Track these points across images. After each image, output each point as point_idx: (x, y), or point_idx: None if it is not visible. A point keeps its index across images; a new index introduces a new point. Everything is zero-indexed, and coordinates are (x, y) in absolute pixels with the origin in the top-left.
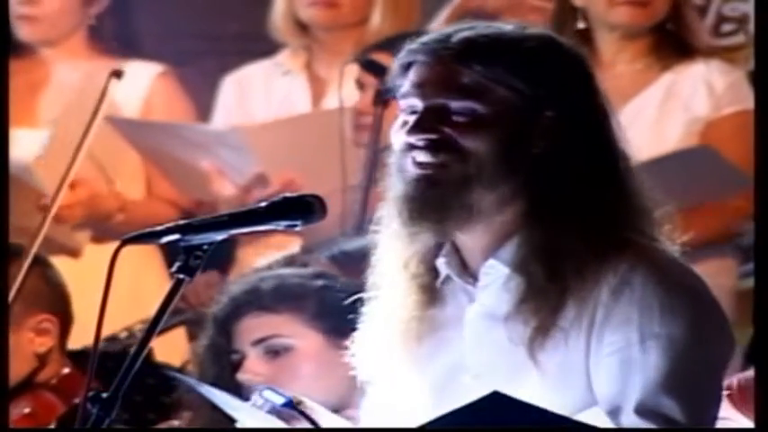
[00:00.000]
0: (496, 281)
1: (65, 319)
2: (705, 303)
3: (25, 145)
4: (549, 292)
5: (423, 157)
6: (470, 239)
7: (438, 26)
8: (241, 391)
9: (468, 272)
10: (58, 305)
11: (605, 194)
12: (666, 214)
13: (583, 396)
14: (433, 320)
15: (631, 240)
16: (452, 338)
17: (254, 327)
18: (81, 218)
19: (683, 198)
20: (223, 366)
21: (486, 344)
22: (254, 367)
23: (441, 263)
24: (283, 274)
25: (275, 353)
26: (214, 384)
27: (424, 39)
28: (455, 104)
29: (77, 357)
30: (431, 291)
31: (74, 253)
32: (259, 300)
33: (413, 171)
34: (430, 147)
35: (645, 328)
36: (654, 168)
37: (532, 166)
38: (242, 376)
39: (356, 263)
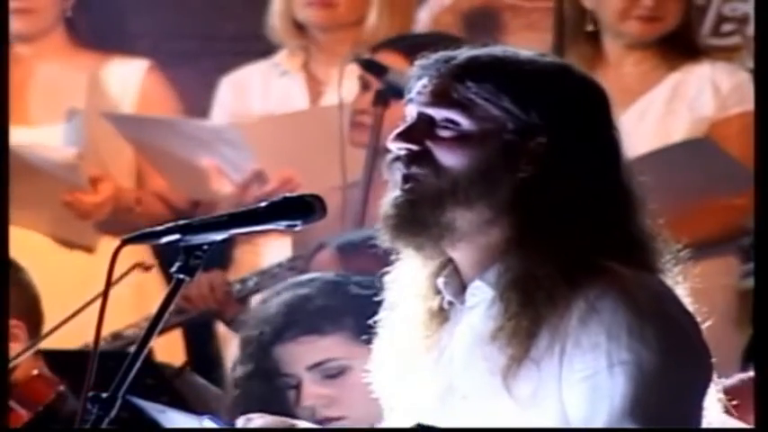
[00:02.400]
0: (482, 303)
1: (33, 322)
2: (677, 330)
3: (19, 141)
4: (522, 320)
5: (401, 167)
6: (463, 258)
7: (421, 28)
8: (297, 416)
9: (463, 292)
10: (27, 309)
11: (587, 222)
12: (671, 248)
13: (559, 422)
14: (435, 341)
15: (604, 267)
16: (446, 359)
17: (304, 352)
18: (108, 214)
19: (683, 191)
20: (273, 389)
21: (473, 365)
22: (314, 391)
23: (440, 282)
24: (319, 291)
25: (332, 375)
26: (262, 406)
27: (437, 55)
28: (440, 116)
29: (77, 357)
30: (438, 312)
31: (88, 249)
32: (303, 323)
33: (398, 187)
34: (407, 158)
35: (613, 353)
36: (653, 160)
37: (517, 190)
38: (306, 403)
39: (361, 252)
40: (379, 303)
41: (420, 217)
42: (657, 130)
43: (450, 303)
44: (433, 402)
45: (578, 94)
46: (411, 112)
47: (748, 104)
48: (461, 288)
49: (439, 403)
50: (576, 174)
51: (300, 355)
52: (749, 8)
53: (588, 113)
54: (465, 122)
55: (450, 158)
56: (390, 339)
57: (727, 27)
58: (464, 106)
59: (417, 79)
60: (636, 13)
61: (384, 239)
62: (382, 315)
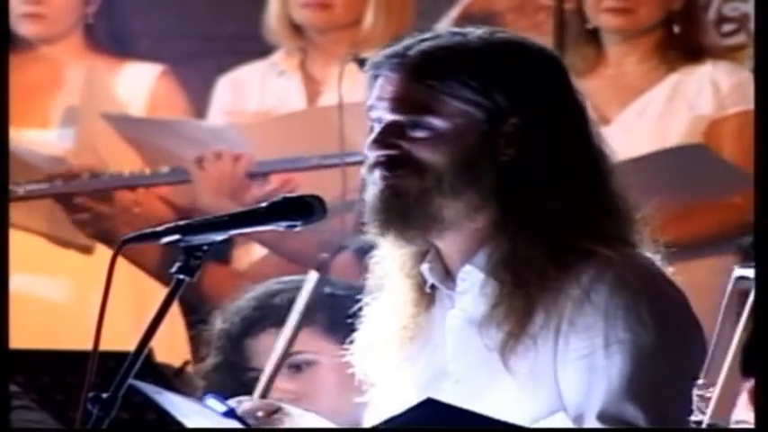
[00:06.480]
0: (474, 286)
1: None
2: (673, 310)
3: (30, 142)
4: (517, 299)
5: (383, 172)
6: (449, 246)
7: (445, 26)
8: None
9: (450, 278)
10: None
11: (573, 200)
12: (648, 217)
13: (553, 402)
14: (423, 324)
15: (596, 250)
16: (437, 344)
17: (272, 344)
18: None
19: (679, 194)
20: (240, 383)
21: (466, 350)
22: (281, 385)
23: (424, 269)
24: (291, 287)
25: (297, 367)
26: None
27: (387, 51)
28: (411, 120)
29: (74, 358)
30: (423, 293)
31: (86, 249)
32: (272, 316)
33: (379, 184)
34: (387, 163)
35: (610, 333)
36: (650, 164)
37: (500, 174)
38: (273, 397)
39: None
40: (353, 304)
41: (407, 209)
42: (656, 128)
43: (433, 288)
44: (422, 387)
45: (536, 67)
46: (376, 115)
47: (746, 104)
48: (446, 273)
49: (429, 388)
50: (553, 147)
51: (267, 347)
52: (749, 8)
53: (549, 84)
54: (437, 122)
55: (430, 156)
56: (375, 321)
57: (727, 27)
58: (431, 108)
59: (373, 79)
60: (604, 5)
61: (371, 231)
62: (365, 299)
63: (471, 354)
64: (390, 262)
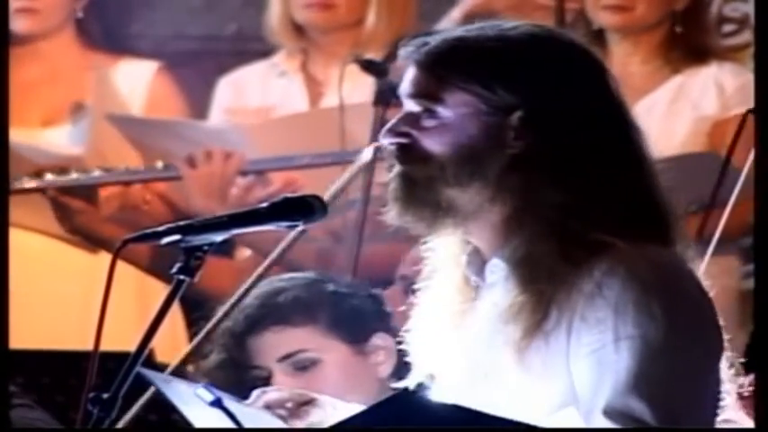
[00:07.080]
0: (500, 279)
1: None
2: (688, 307)
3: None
4: (533, 294)
5: (395, 160)
6: (478, 239)
7: (446, 26)
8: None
9: (485, 271)
10: None
11: (587, 194)
12: (682, 215)
13: (568, 397)
14: (467, 315)
15: (607, 243)
16: (472, 336)
17: (276, 342)
18: (116, 209)
19: (690, 200)
20: (243, 381)
21: (494, 343)
22: (284, 384)
23: (463, 261)
24: (294, 285)
25: (303, 367)
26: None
27: (415, 41)
28: (426, 109)
29: (74, 358)
30: (469, 284)
31: (90, 249)
32: (276, 314)
33: (394, 171)
34: (397, 151)
35: (620, 328)
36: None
37: (510, 166)
38: None
39: None
40: (356, 302)
41: (418, 196)
42: (661, 129)
43: (475, 280)
44: (458, 380)
45: (550, 59)
46: (403, 103)
47: (750, 105)
48: (482, 266)
49: (464, 381)
50: (568, 140)
51: (271, 345)
52: (750, 8)
53: (566, 76)
54: (442, 111)
55: (434, 146)
56: (426, 310)
57: (728, 28)
58: (437, 96)
59: (406, 69)
60: (602, 3)
61: (391, 217)
62: (421, 284)
63: (496, 346)
64: (443, 250)
